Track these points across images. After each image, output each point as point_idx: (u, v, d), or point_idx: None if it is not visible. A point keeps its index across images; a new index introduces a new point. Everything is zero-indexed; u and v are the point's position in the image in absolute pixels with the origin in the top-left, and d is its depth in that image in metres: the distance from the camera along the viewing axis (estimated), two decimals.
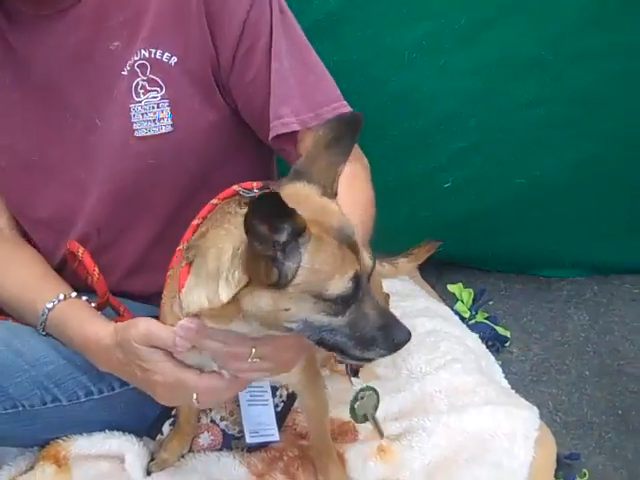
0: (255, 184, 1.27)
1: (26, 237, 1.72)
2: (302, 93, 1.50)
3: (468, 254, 2.49)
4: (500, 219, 2.44)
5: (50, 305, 1.50)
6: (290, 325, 1.11)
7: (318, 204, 1.12)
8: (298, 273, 1.06)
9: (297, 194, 1.12)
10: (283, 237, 1.03)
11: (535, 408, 1.89)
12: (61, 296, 1.52)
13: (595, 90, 2.20)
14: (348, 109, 1.52)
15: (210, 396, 1.31)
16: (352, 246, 1.10)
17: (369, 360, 1.16)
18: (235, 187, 1.27)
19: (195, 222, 1.27)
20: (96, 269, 1.51)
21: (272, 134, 1.50)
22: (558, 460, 1.82)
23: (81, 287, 1.56)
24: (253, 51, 1.50)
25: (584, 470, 1.91)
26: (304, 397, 1.54)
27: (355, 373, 1.90)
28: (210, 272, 1.12)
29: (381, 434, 1.70)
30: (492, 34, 2.13)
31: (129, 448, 1.58)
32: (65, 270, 1.65)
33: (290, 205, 0.98)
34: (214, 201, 1.28)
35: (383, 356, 1.15)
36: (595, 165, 2.34)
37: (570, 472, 1.90)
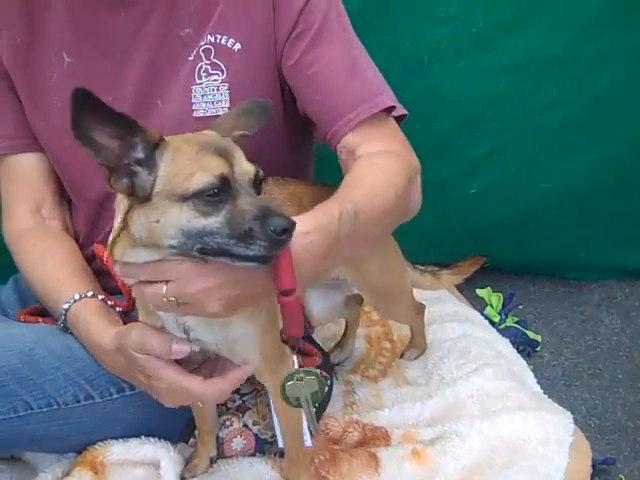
0: None
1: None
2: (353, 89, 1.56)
3: (496, 258, 2.47)
4: (528, 223, 2.44)
5: (66, 306, 1.54)
6: (170, 241, 1.14)
7: (206, 136, 1.20)
8: (157, 182, 1.14)
9: (200, 133, 1.24)
10: (139, 153, 1.15)
11: (569, 413, 1.86)
12: (76, 296, 1.55)
13: (615, 91, 2.20)
14: (387, 103, 1.57)
15: (216, 399, 1.33)
16: (222, 153, 1.15)
17: (256, 260, 1.13)
18: None
19: None
20: None
21: (334, 134, 1.55)
22: (593, 465, 1.79)
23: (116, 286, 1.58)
24: (301, 38, 1.55)
25: (620, 475, 1.88)
26: (268, 385, 1.47)
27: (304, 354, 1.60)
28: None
29: (315, 428, 1.40)
30: (511, 37, 2.14)
31: (164, 454, 1.59)
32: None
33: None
34: None
35: (266, 250, 1.12)
36: (620, 166, 2.33)
37: (606, 477, 1.87)
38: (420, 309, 2.01)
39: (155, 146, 1.15)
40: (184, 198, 1.12)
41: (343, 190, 1.40)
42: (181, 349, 1.28)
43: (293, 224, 1.12)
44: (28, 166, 1.75)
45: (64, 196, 1.81)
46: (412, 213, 1.58)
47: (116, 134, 1.13)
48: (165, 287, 1.18)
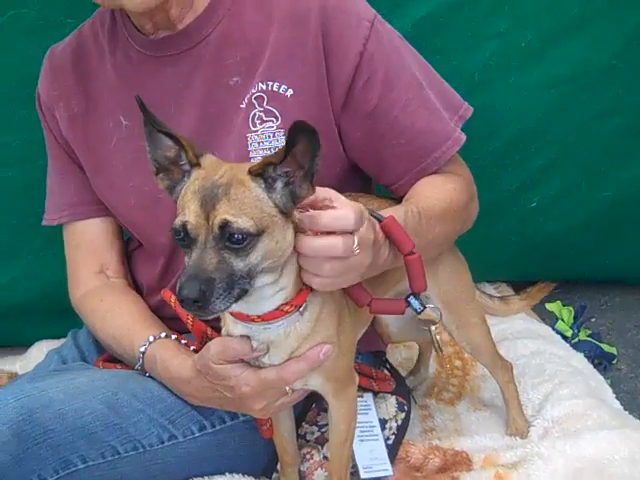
0: None
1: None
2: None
3: (562, 271, 2.43)
4: (591, 232, 2.40)
5: (143, 349, 1.59)
6: None
7: (221, 175, 1.20)
8: (178, 195, 1.24)
9: (228, 167, 1.24)
10: (185, 165, 1.26)
11: None
12: (151, 338, 1.59)
13: None
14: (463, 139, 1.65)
15: (296, 378, 1.36)
16: (206, 200, 1.17)
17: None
18: None
19: None
20: (189, 316, 1.55)
21: (421, 170, 1.61)
22: None
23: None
24: (372, 84, 1.57)
25: None
26: (331, 404, 1.47)
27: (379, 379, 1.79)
28: None
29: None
30: (560, 48, 2.13)
31: None
32: None
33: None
34: None
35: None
36: None
37: None
38: (507, 365, 1.87)
39: (191, 165, 1.26)
40: None
41: (405, 197, 1.59)
42: (262, 347, 1.32)
43: (189, 299, 1.13)
44: (92, 231, 1.81)
45: (126, 255, 1.87)
46: (468, 227, 1.71)
47: (172, 144, 1.26)
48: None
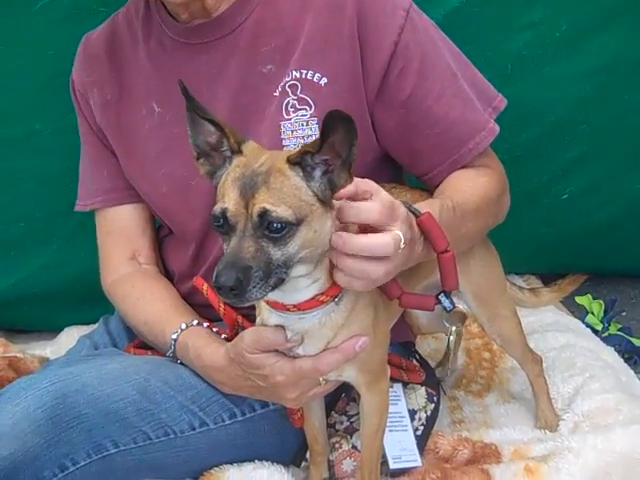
0: None
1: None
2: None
3: (593, 264, 2.40)
4: (622, 225, 2.38)
5: (174, 336, 1.59)
6: None
7: (260, 162, 1.20)
8: (219, 181, 1.24)
9: (267, 154, 1.24)
10: (226, 151, 1.25)
11: None
12: (183, 326, 1.60)
13: None
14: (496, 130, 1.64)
15: (330, 368, 1.35)
16: (245, 188, 1.17)
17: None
18: None
19: None
20: (221, 304, 1.55)
21: (454, 162, 1.60)
22: None
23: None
24: (406, 73, 1.56)
25: None
26: (364, 395, 1.48)
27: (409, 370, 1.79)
28: None
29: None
30: (596, 39, 2.10)
31: (278, 478, 1.60)
32: None
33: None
34: None
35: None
36: None
37: None
38: (537, 358, 1.86)
39: (232, 152, 1.25)
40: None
41: (438, 191, 1.58)
42: (296, 338, 1.32)
43: (225, 287, 1.12)
44: (125, 217, 1.82)
45: (157, 241, 1.88)
46: (500, 221, 1.70)
47: (215, 130, 1.26)
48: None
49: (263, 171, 1.18)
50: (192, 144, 1.28)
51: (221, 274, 1.13)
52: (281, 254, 1.17)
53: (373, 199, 1.23)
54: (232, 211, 1.16)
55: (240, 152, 1.24)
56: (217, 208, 1.18)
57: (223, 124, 1.25)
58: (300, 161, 1.19)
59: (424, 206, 1.38)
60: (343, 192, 1.21)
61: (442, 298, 1.40)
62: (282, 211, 1.15)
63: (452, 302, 1.40)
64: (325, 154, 1.18)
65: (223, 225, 1.18)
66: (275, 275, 1.17)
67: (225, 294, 1.14)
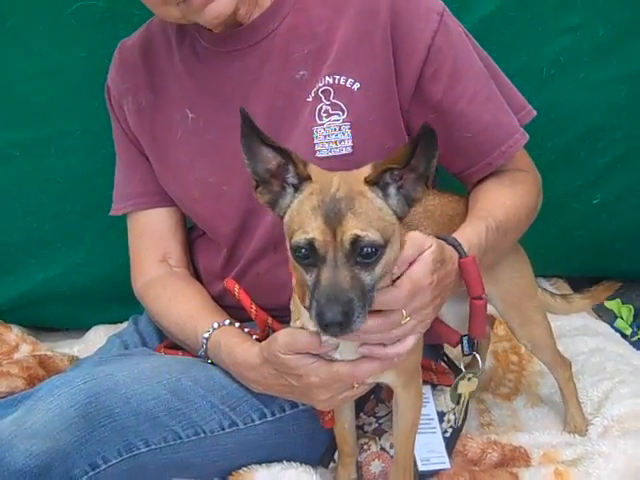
0: None
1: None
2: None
3: (622, 268, 2.38)
4: None
5: (207, 335, 1.60)
6: None
7: (342, 186, 1.17)
8: (287, 213, 1.22)
9: (346, 176, 1.21)
10: (293, 179, 1.21)
11: None
12: (215, 325, 1.61)
13: None
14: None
15: (366, 376, 1.36)
16: (330, 216, 1.14)
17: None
18: None
19: None
20: (253, 305, 1.58)
21: (487, 165, 1.62)
22: None
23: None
24: (439, 76, 1.56)
25: None
26: (399, 395, 1.49)
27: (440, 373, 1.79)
28: None
29: (463, 420, 1.69)
30: (632, 44, 2.09)
31: (307, 479, 1.60)
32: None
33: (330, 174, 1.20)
34: None
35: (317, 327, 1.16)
36: None
37: None
38: (566, 362, 1.86)
39: (301, 180, 1.22)
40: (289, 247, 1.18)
41: (480, 206, 1.58)
42: (332, 342, 1.31)
43: (334, 324, 1.11)
44: (156, 220, 1.84)
45: (188, 244, 1.89)
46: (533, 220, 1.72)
47: (274, 156, 1.22)
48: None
49: (343, 196, 1.16)
50: (251, 172, 1.24)
51: (326, 310, 1.12)
52: (370, 279, 1.17)
53: (415, 267, 1.26)
54: (320, 241, 1.14)
55: (309, 178, 1.21)
56: (301, 239, 1.15)
57: (289, 150, 1.22)
58: (378, 180, 1.18)
59: (471, 234, 1.42)
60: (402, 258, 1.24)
61: (464, 341, 1.43)
62: (373, 235, 1.14)
63: (472, 348, 1.42)
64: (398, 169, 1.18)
65: (309, 255, 1.16)
66: (368, 301, 1.17)
67: (332, 329, 1.14)
